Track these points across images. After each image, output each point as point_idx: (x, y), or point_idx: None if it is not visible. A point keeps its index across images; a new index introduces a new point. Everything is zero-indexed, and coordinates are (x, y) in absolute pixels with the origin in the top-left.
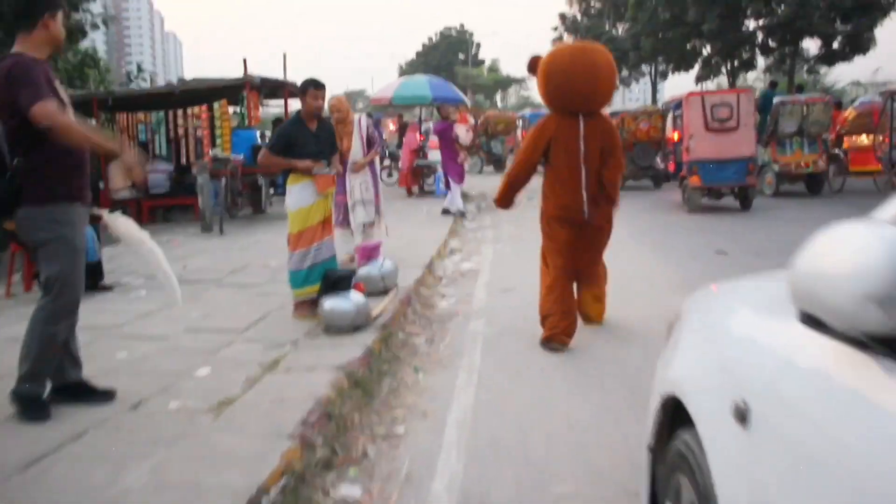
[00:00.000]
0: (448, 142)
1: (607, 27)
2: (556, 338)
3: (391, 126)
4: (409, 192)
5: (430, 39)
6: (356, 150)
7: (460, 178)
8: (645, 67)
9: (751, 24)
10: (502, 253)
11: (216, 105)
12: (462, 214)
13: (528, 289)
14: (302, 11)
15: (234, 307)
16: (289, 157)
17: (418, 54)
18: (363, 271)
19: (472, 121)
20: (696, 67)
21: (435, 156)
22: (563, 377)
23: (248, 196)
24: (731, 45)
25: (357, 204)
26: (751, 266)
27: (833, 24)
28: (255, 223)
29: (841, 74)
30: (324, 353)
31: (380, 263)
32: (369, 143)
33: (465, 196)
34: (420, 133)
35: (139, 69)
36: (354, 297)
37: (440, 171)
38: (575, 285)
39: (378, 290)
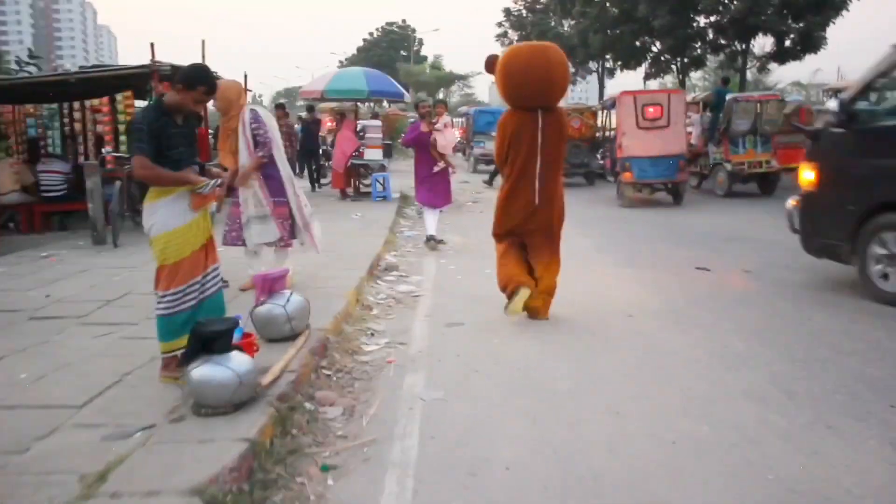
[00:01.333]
0: (423, 153)
1: (553, 23)
2: (523, 284)
3: (328, 123)
4: (343, 195)
5: (372, 35)
6: (242, 153)
7: (445, 200)
8: (593, 65)
9: (701, 20)
10: (447, 270)
11: (119, 97)
12: (432, 240)
13: (480, 321)
14: (241, 7)
15: (86, 362)
16: (160, 161)
17: (359, 50)
18: (262, 311)
19: (447, 118)
20: (645, 65)
21: (372, 155)
22: (538, 476)
23: None
24: (681, 42)
25: (251, 220)
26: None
27: (785, 22)
28: None
29: (782, 75)
30: (181, 457)
31: (285, 298)
32: (255, 144)
33: (404, 198)
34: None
35: (30, 55)
36: (236, 362)
37: (382, 171)
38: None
39: (283, 335)
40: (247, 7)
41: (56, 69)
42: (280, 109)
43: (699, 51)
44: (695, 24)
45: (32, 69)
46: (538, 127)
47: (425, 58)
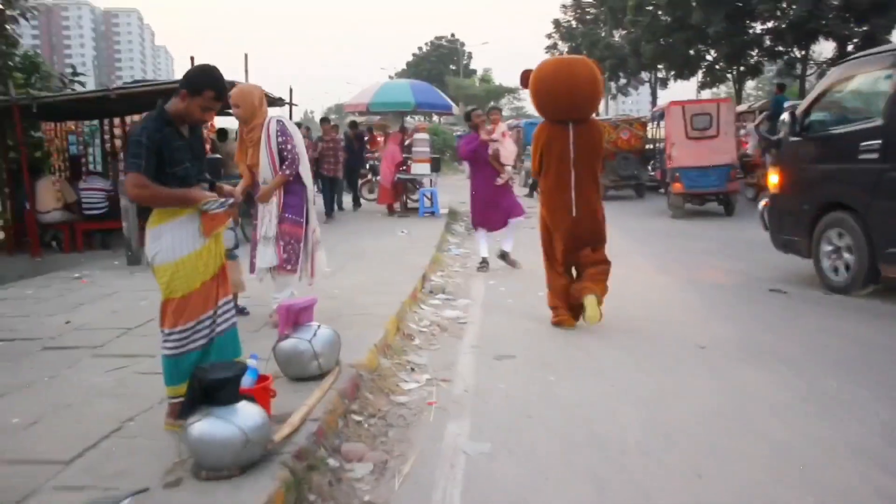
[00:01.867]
0: (482, 166)
1: (604, 34)
2: (564, 322)
3: (378, 138)
4: (391, 210)
5: (421, 49)
6: (264, 167)
7: (507, 217)
8: (645, 75)
9: (758, 26)
10: (497, 292)
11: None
12: (485, 264)
13: (533, 354)
14: (295, 24)
15: (88, 403)
16: (162, 179)
17: (408, 65)
18: (286, 346)
19: (504, 127)
20: (700, 74)
21: (419, 169)
22: None
23: None
24: (737, 50)
25: (261, 242)
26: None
27: (848, 25)
28: None
29: None
30: None
31: (312, 332)
32: (281, 159)
33: (453, 214)
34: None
35: (74, 72)
36: (243, 416)
37: (427, 185)
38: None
39: (310, 373)
40: (297, 26)
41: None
42: (326, 124)
43: (755, 58)
44: (751, 31)
45: (77, 87)
46: (569, 139)
47: (474, 71)
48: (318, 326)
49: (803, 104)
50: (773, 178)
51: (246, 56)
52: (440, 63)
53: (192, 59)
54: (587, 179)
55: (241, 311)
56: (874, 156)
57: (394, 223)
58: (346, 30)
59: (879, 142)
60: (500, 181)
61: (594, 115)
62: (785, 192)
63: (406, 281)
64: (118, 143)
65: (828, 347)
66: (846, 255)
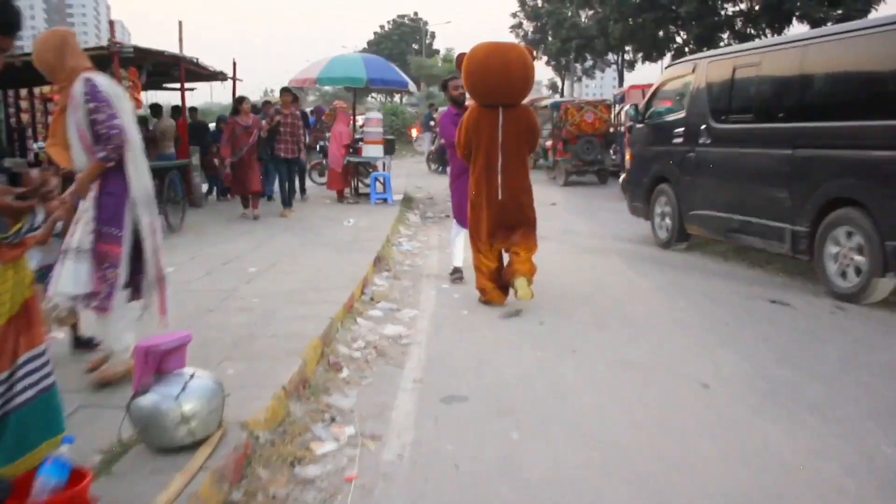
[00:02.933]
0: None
1: (570, 13)
2: (494, 300)
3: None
4: (341, 196)
5: (383, 28)
6: (75, 148)
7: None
8: (612, 57)
9: (730, 7)
10: (450, 300)
11: None
12: (458, 273)
13: (491, 396)
14: (253, 4)
15: None
16: None
17: (370, 44)
18: (145, 404)
19: None
20: (668, 56)
21: (372, 151)
22: None
23: None
24: (708, 32)
25: (69, 253)
26: None
27: (822, 8)
28: None
29: None
30: None
31: (181, 383)
32: (95, 136)
33: (407, 201)
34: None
35: None
36: None
37: (381, 169)
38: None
39: (179, 443)
40: (258, 3)
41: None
42: (287, 94)
43: (726, 41)
44: (722, 13)
45: None
46: (498, 123)
47: (437, 51)
48: (192, 375)
49: (644, 99)
50: (627, 157)
51: (180, 24)
52: (402, 42)
53: (110, 23)
54: (515, 163)
55: (88, 344)
56: (680, 140)
57: (342, 211)
58: (309, 8)
59: (683, 129)
60: None
61: (524, 100)
62: (632, 169)
63: (343, 285)
64: (25, 117)
65: (872, 388)
66: (667, 220)
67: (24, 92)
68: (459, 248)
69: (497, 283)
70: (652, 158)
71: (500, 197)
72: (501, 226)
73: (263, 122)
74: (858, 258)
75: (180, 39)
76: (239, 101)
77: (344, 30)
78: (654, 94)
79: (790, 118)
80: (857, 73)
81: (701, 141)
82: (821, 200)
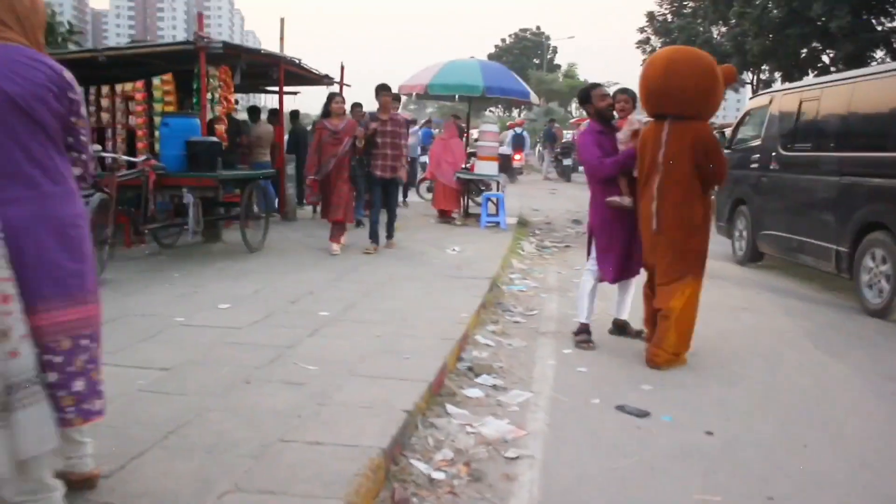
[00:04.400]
0: (613, 184)
1: (702, 28)
2: (654, 360)
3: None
4: (443, 216)
5: (504, 41)
6: None
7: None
8: (748, 76)
9: (888, 23)
10: (574, 376)
11: (156, 81)
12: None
13: None
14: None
15: None
16: None
17: (490, 57)
18: None
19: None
20: (811, 75)
21: (485, 168)
22: None
23: (164, 220)
24: (861, 49)
25: None
26: None
27: None
28: (172, 265)
29: None
30: None
31: None
32: None
33: (524, 224)
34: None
35: (70, 29)
36: None
37: (494, 189)
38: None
39: None
40: (383, 16)
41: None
42: (386, 94)
43: (880, 60)
44: (880, 28)
45: (72, 46)
46: (661, 139)
47: (559, 66)
48: None
49: (734, 126)
50: None
51: (282, 20)
52: (523, 56)
53: (198, 14)
54: (678, 189)
55: None
56: (756, 165)
57: (446, 234)
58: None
59: (758, 155)
60: (624, 202)
61: (706, 114)
62: (719, 191)
63: (433, 347)
64: (105, 117)
65: None
66: (745, 234)
67: (105, 89)
68: (587, 298)
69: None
70: (734, 182)
71: (653, 227)
72: (651, 263)
73: (361, 129)
74: (886, 277)
75: (281, 38)
76: (330, 99)
77: (464, 43)
78: (740, 122)
79: (838, 148)
80: (887, 109)
81: (771, 167)
82: (858, 224)
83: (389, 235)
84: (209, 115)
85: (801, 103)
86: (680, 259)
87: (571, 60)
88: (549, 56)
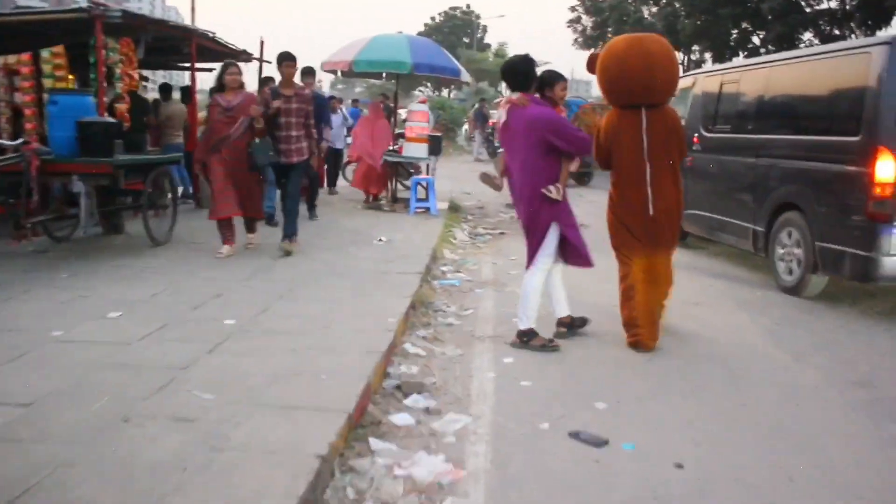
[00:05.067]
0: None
1: (633, 8)
2: (642, 344)
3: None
4: (368, 198)
5: (433, 20)
6: None
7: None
8: (679, 56)
9: (817, 5)
10: (517, 391)
11: (46, 54)
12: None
13: None
14: None
15: None
16: None
17: (419, 35)
18: None
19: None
20: (742, 56)
21: (414, 150)
22: None
23: (52, 212)
24: (789, 30)
25: None
26: None
27: None
28: (61, 263)
29: None
30: None
31: None
32: None
33: (456, 209)
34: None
35: None
36: None
37: (424, 172)
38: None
39: None
40: None
41: None
42: (289, 64)
43: (808, 42)
44: (809, 10)
45: None
46: (642, 127)
47: (489, 45)
48: None
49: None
50: None
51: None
52: (452, 35)
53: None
54: (665, 173)
55: None
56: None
57: (373, 221)
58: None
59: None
60: (552, 193)
61: (670, 99)
62: None
63: (354, 363)
64: None
65: None
66: None
67: None
68: (536, 299)
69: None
70: None
71: (650, 213)
72: (651, 243)
73: (258, 106)
74: (797, 257)
75: (192, 9)
76: (224, 70)
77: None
78: None
79: (755, 130)
80: (798, 94)
81: (694, 148)
82: (772, 204)
83: (286, 234)
84: (110, 94)
85: (721, 85)
86: (672, 238)
87: (502, 39)
88: (479, 35)
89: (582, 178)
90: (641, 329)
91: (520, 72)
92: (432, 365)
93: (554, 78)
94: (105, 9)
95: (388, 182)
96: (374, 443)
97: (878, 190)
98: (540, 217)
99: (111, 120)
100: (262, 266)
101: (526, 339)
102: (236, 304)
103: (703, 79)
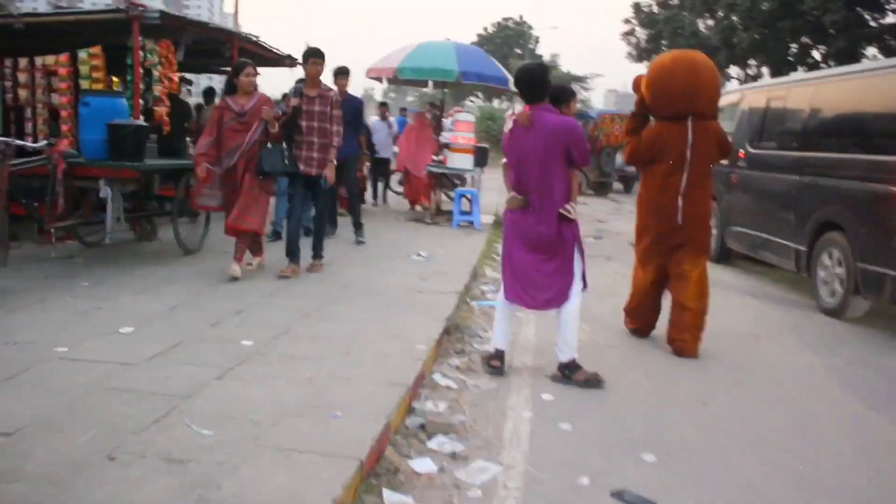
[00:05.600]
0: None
1: (689, 21)
2: (643, 330)
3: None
4: (414, 208)
5: (486, 31)
6: None
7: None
8: (734, 70)
9: (882, 19)
10: (554, 434)
11: (83, 55)
12: (494, 363)
13: None
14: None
15: None
16: None
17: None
18: None
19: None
20: (801, 71)
21: (458, 161)
22: None
23: (78, 217)
24: (854, 44)
25: None
26: None
27: None
28: (84, 270)
29: None
30: None
31: None
32: None
33: (500, 224)
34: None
35: None
36: None
37: (469, 184)
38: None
39: None
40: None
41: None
42: (316, 62)
43: (873, 56)
44: (874, 24)
45: None
46: (687, 140)
47: (541, 57)
48: None
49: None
50: None
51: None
52: (504, 45)
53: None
54: (700, 185)
55: None
56: (725, 161)
57: (413, 235)
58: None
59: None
60: (570, 213)
61: (715, 112)
62: None
63: (375, 397)
64: (23, 93)
65: None
66: (714, 230)
67: (23, 62)
68: (576, 326)
69: (647, 308)
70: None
71: (679, 222)
72: (670, 245)
73: (274, 109)
74: (840, 278)
75: (236, 12)
76: (238, 69)
77: (445, 30)
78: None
79: (800, 147)
80: (843, 111)
81: (740, 164)
82: (815, 223)
83: (315, 254)
84: (147, 96)
85: (768, 101)
86: (702, 244)
87: (554, 51)
88: (531, 46)
89: (604, 189)
90: (686, 334)
91: (538, 81)
92: (463, 400)
93: (569, 94)
94: (143, 10)
95: (430, 193)
96: (388, 496)
97: None
98: (565, 237)
99: (143, 123)
100: (288, 281)
101: (568, 372)
102: (256, 323)
103: (750, 94)
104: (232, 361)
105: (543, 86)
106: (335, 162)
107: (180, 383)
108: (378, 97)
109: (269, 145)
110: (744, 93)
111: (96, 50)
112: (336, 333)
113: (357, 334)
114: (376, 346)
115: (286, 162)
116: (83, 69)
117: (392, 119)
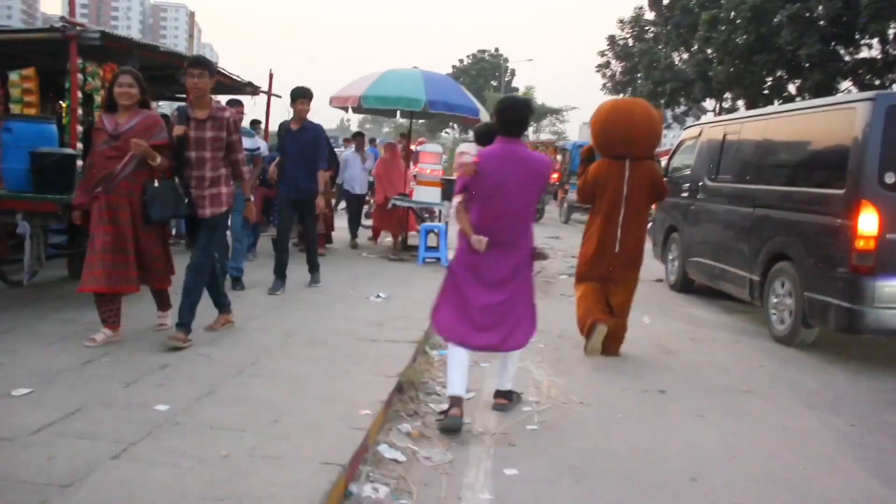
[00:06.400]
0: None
1: (664, 53)
2: (601, 320)
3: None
4: (377, 237)
5: (461, 62)
6: None
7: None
8: (709, 103)
9: (857, 54)
10: None
11: (14, 77)
12: (451, 416)
13: None
14: (333, 28)
15: None
16: None
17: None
18: None
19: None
20: (776, 105)
21: (424, 194)
22: None
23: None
24: (830, 78)
25: None
26: None
27: None
28: None
29: None
30: None
31: None
32: None
33: None
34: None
35: None
36: None
37: (438, 219)
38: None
39: None
40: (344, 32)
41: None
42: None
43: (845, 91)
44: (848, 59)
45: None
46: (624, 177)
47: (516, 89)
48: None
49: (670, 155)
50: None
51: (192, 15)
52: (480, 77)
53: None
54: (636, 218)
55: None
56: (686, 194)
57: (375, 273)
58: (389, 41)
59: (688, 184)
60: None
61: (651, 153)
62: (655, 217)
63: (300, 484)
64: None
65: None
66: (676, 263)
67: None
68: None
69: (598, 310)
70: (669, 208)
71: (616, 250)
72: (608, 272)
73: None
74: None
75: (190, 36)
76: (114, 79)
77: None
78: (675, 152)
79: (753, 180)
80: (790, 146)
81: (698, 196)
82: (767, 254)
83: (179, 322)
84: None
85: (724, 136)
86: (634, 269)
87: (529, 83)
88: (507, 78)
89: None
90: (598, 316)
91: (521, 118)
92: (411, 478)
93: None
94: (82, 29)
95: (399, 228)
96: None
97: (860, 243)
98: (524, 274)
99: (72, 152)
100: (227, 330)
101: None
102: (179, 381)
103: (707, 129)
104: (137, 433)
105: (525, 122)
106: (252, 198)
107: (63, 466)
108: (354, 127)
109: (155, 184)
110: (703, 128)
111: (29, 72)
112: (267, 395)
113: (291, 397)
114: (311, 413)
115: (179, 203)
116: (14, 92)
117: (367, 151)
